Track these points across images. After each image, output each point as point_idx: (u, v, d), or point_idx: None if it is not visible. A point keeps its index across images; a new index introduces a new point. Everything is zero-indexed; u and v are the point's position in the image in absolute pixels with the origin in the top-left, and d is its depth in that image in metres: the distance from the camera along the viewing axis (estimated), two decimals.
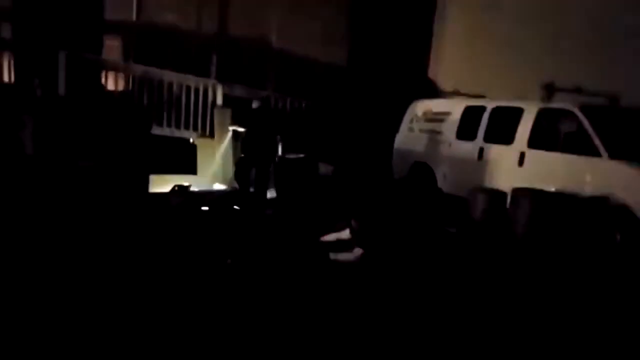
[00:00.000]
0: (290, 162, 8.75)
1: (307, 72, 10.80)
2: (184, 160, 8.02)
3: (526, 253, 6.05)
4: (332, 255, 5.82)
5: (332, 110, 10.30)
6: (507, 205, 6.83)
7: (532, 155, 7.16)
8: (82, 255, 4.47)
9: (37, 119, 4.72)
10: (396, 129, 9.76)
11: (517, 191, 6.74)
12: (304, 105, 10.00)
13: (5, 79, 7.43)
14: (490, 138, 7.87)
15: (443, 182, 8.61)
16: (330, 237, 6.63)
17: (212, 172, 8.67)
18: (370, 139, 10.13)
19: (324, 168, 9.39)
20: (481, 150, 7.93)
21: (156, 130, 7.29)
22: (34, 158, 4.65)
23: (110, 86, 8.40)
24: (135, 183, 5.24)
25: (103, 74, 8.34)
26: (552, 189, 6.57)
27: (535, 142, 7.20)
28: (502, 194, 6.95)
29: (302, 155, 8.89)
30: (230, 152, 8.70)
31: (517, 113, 7.53)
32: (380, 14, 11.45)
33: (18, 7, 7.96)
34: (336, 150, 9.89)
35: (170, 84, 8.72)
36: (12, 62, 7.62)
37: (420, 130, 9.28)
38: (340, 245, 6.23)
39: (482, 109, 8.18)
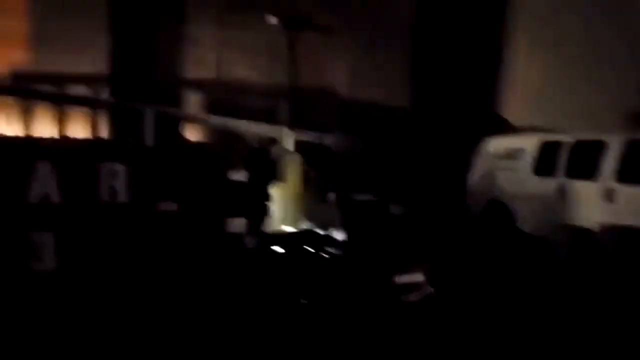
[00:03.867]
0: (360, 203, 8.84)
1: (372, 115, 11.03)
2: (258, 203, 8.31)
3: (619, 294, 5.64)
4: (404, 297, 5.75)
5: (400, 151, 10.36)
6: (594, 244, 6.46)
7: (620, 190, 6.78)
8: (167, 293, 4.76)
9: (129, 168, 5.14)
10: (468, 167, 9.62)
11: (606, 228, 6.37)
12: (371, 147, 10.15)
13: (103, 134, 8.27)
14: (571, 173, 7.55)
15: (522, 221, 8.31)
16: (403, 278, 6.56)
17: (284, 214, 8.90)
18: (442, 178, 10.03)
19: (395, 210, 9.38)
20: (562, 186, 7.62)
21: (232, 176, 7.70)
22: (129, 205, 5.05)
23: (191, 136, 9.05)
24: (212, 225, 5.52)
25: (185, 126, 9.02)
26: None
27: (623, 175, 6.83)
28: (588, 232, 6.59)
29: (372, 197, 8.96)
30: (301, 194, 8.92)
31: (600, 146, 7.20)
32: (444, 54, 11.55)
33: (115, 73, 8.95)
34: (407, 191, 9.87)
35: (244, 132, 9.22)
36: (108, 119, 8.47)
37: (494, 168, 9.09)
38: (413, 287, 6.14)
39: (560, 143, 7.91)
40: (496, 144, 9.28)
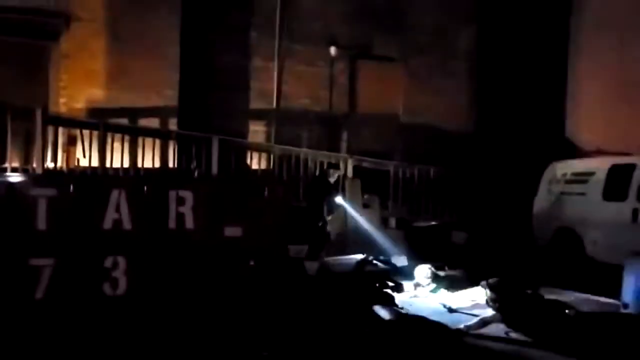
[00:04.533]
0: (421, 230, 8.73)
1: (434, 140, 10.93)
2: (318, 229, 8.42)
3: None
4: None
5: (463, 177, 10.18)
6: None
7: None
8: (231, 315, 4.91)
9: (195, 196, 5.38)
10: (533, 193, 9.29)
11: None
12: (432, 172, 10.04)
13: (170, 164, 8.72)
14: None
15: (593, 248, 7.90)
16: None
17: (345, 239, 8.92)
18: (506, 204, 9.73)
19: (457, 236, 9.17)
20: (635, 211, 7.23)
21: (295, 203, 7.87)
22: (194, 232, 5.28)
23: (255, 165, 9.34)
24: (276, 250, 5.65)
25: (249, 155, 9.34)
26: None
27: None
28: None
29: (433, 223, 8.83)
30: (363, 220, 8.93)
31: None
32: (509, 77, 11.34)
33: (182, 105, 9.46)
34: (470, 217, 9.64)
35: (306, 160, 9.41)
36: (176, 149, 8.93)
37: (561, 193, 8.75)
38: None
39: (632, 166, 7.54)
40: (563, 168, 8.96)
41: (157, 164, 8.91)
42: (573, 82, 11.48)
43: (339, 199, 7.76)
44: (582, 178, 8.44)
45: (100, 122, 8.57)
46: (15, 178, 5.23)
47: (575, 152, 10.50)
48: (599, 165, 8.24)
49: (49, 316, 4.59)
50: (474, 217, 9.63)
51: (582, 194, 8.30)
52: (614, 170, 7.86)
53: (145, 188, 5.39)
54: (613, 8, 10.52)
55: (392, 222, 9.56)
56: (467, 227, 9.31)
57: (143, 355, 4.36)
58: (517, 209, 9.43)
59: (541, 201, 9.18)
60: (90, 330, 4.58)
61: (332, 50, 10.77)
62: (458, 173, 10.15)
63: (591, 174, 8.27)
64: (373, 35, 11.12)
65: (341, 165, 9.22)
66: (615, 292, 6.35)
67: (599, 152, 9.76)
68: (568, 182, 8.72)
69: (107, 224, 5.02)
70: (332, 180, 7.62)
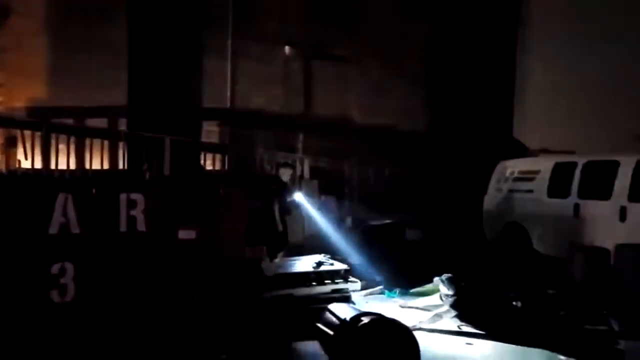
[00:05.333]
0: (376, 228, 8.84)
1: (388, 141, 11.11)
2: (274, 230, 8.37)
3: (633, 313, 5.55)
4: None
5: (417, 176, 10.41)
6: (611, 263, 6.39)
7: (635, 208, 6.75)
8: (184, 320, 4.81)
9: (146, 198, 5.24)
10: (483, 191, 9.60)
11: (622, 247, 6.32)
12: (387, 172, 10.21)
13: (120, 165, 8.42)
14: (585, 194, 7.56)
15: (538, 243, 8.25)
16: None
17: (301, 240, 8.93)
18: (458, 202, 10.02)
19: (412, 233, 9.35)
20: (576, 207, 7.60)
21: (252, 204, 7.79)
22: (146, 234, 5.14)
23: (209, 166, 9.18)
24: (231, 252, 5.58)
25: (202, 156, 9.17)
26: None
27: (637, 195, 6.80)
28: (605, 251, 6.54)
29: (387, 221, 8.96)
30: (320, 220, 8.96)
31: (613, 166, 7.21)
32: (459, 78, 11.66)
33: (132, 105, 9.15)
34: (425, 215, 9.86)
35: (261, 161, 9.34)
36: (125, 150, 8.64)
37: (510, 191, 9.09)
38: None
39: (574, 164, 7.92)
40: (510, 166, 9.30)
41: (106, 166, 8.61)
42: (521, 82, 11.96)
43: (298, 198, 7.74)
44: (528, 176, 8.79)
45: (43, 122, 8.18)
46: None
47: (524, 151, 10.94)
48: (544, 164, 8.60)
49: None
50: (428, 215, 9.86)
51: (529, 191, 8.64)
52: (557, 168, 8.23)
53: (94, 191, 5.18)
54: (560, 10, 11.03)
55: (349, 221, 9.66)
56: (422, 224, 9.51)
57: None
58: (468, 207, 9.72)
59: (491, 198, 9.49)
60: (39, 337, 4.39)
61: (287, 49, 10.76)
62: (412, 172, 10.36)
63: (537, 172, 8.62)
64: (328, 35, 11.19)
65: (297, 166, 9.20)
66: (559, 284, 6.66)
67: (544, 151, 10.22)
68: (515, 180, 9.06)
69: (54, 228, 4.80)
70: (285, 179, 7.58)
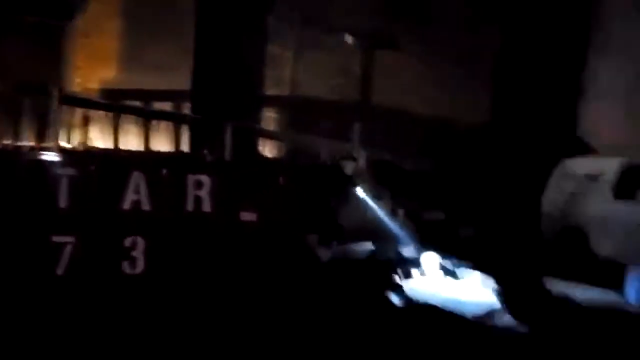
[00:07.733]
0: (430, 223, 8.76)
1: (448, 133, 10.96)
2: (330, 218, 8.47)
3: None
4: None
5: (474, 172, 10.22)
6: None
7: None
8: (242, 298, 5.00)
9: (212, 180, 5.45)
10: (543, 190, 9.32)
11: None
12: (442, 167, 10.09)
13: (184, 148, 8.77)
14: None
15: (599, 247, 7.95)
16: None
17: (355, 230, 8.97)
18: (515, 200, 9.77)
19: (465, 230, 9.21)
20: None
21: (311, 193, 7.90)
22: (211, 214, 5.35)
23: (268, 152, 9.39)
24: (290, 236, 5.73)
25: (261, 142, 9.38)
26: None
27: None
28: None
29: (442, 216, 8.87)
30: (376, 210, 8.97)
31: None
32: (526, 78, 11.31)
33: (196, 89, 9.47)
34: (479, 212, 9.67)
35: (319, 149, 9.44)
36: (188, 134, 8.98)
37: (571, 191, 8.77)
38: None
39: None
40: (573, 166, 8.96)
41: (169, 148, 8.97)
42: (590, 78, 11.43)
43: (359, 191, 7.78)
44: (592, 176, 8.45)
45: (115, 103, 8.62)
46: (37, 156, 5.28)
47: (588, 150, 10.51)
48: (611, 164, 8.25)
49: (69, 292, 4.67)
50: (482, 212, 9.67)
51: (592, 192, 8.32)
52: (626, 168, 7.88)
53: (164, 171, 5.44)
54: (636, 9, 10.47)
55: (401, 214, 9.61)
56: (475, 221, 9.35)
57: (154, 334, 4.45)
58: (525, 205, 9.46)
59: (550, 199, 9.20)
60: (109, 307, 4.67)
61: (349, 39, 10.75)
62: (469, 168, 10.17)
63: (602, 172, 8.28)
64: (393, 26, 11.08)
65: (358, 158, 9.22)
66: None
67: (611, 151, 9.78)
68: (578, 180, 8.74)
69: (127, 204, 5.08)
70: (347, 172, 7.64)
